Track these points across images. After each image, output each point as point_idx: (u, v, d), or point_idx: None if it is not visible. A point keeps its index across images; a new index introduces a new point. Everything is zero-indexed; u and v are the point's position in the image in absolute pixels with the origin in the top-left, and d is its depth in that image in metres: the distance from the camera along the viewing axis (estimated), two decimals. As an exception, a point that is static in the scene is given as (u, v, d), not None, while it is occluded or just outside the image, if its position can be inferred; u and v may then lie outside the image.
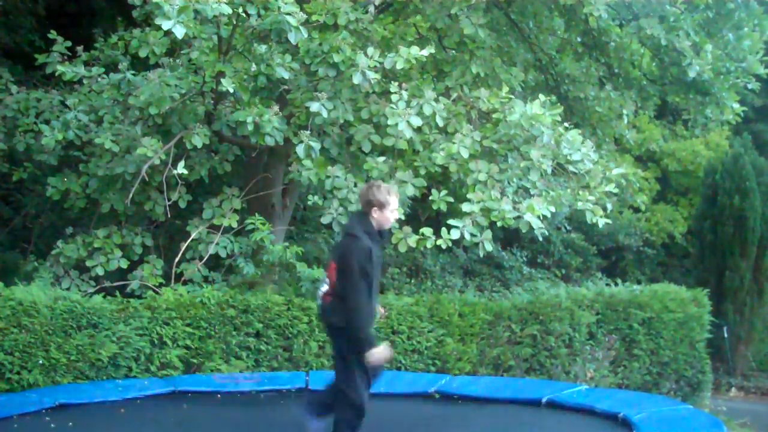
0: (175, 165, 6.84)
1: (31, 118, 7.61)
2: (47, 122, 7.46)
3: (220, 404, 5.85)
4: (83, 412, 5.30)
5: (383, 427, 5.08)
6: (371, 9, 7.78)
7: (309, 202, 7.71)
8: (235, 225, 7.46)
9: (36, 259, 7.51)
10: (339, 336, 4.34)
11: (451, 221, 6.62)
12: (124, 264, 7.29)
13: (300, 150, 6.80)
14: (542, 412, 5.75)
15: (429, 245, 6.87)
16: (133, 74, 7.42)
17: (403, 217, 7.06)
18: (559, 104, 7.76)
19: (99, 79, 7.77)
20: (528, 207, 6.60)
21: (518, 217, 6.63)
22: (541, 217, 6.73)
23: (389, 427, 5.19)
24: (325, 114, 6.81)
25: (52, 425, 4.94)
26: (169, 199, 7.15)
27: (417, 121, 6.76)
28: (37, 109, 7.71)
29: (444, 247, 6.77)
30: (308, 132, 6.90)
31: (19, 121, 7.62)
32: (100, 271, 7.14)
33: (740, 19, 9.10)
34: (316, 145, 6.88)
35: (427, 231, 6.88)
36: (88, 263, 7.19)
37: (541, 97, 7.11)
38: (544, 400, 5.87)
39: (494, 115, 7.21)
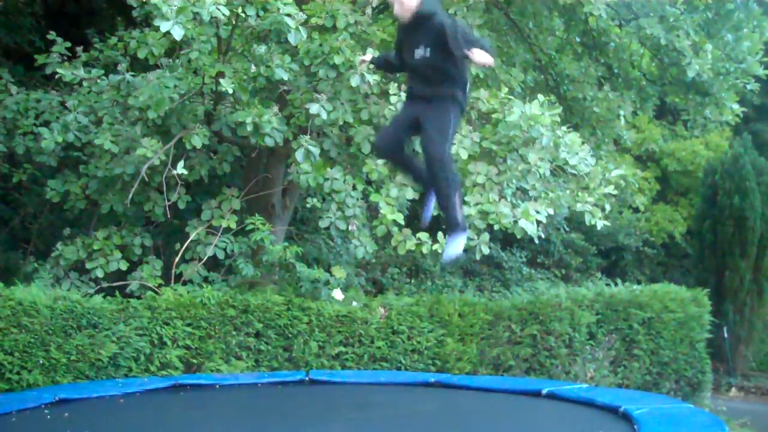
0: (174, 165, 6.84)
1: (30, 120, 7.60)
2: (47, 123, 7.45)
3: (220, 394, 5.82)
4: (82, 406, 5.27)
5: (381, 415, 5.12)
6: (368, 10, 7.78)
7: (308, 205, 7.72)
8: (233, 226, 7.46)
9: (35, 260, 7.51)
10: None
11: None
12: (123, 266, 7.26)
13: (299, 155, 6.81)
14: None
15: (425, 250, 6.89)
16: (133, 75, 7.42)
17: (402, 220, 7.06)
18: (558, 104, 7.76)
19: (98, 81, 7.76)
20: (523, 212, 6.61)
21: (515, 221, 6.64)
22: (535, 222, 6.73)
23: (386, 414, 5.21)
24: (324, 115, 6.82)
25: (48, 417, 4.90)
26: (168, 200, 7.16)
27: (416, 122, 6.76)
28: (37, 111, 7.69)
29: (440, 251, 6.76)
30: (307, 136, 6.91)
31: (18, 122, 7.61)
32: (99, 273, 7.12)
33: (740, 20, 9.11)
34: (315, 150, 6.89)
35: (423, 236, 6.90)
36: (88, 265, 7.18)
37: (540, 96, 7.11)
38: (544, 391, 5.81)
39: (493, 116, 7.21)
